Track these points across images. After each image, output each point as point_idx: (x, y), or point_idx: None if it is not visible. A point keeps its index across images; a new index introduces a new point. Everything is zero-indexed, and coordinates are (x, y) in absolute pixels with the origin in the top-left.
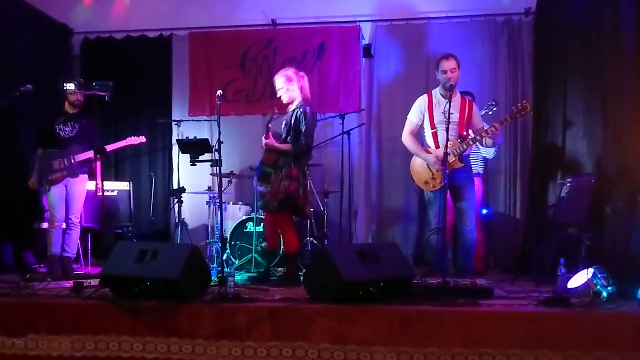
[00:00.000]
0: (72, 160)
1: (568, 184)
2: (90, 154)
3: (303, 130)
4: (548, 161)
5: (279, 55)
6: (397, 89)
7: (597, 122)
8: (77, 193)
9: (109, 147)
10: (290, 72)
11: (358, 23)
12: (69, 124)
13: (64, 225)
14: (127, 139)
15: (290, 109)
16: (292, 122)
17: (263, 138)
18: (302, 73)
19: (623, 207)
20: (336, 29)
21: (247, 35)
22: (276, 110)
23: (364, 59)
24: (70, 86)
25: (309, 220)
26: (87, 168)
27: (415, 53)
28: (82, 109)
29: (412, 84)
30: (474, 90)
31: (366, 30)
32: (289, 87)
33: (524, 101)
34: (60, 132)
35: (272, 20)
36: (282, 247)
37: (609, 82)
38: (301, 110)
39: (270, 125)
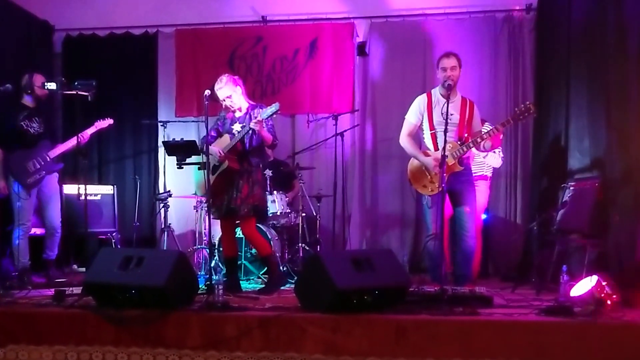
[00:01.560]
0: (48, 158)
1: (571, 188)
2: (64, 147)
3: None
4: (550, 164)
5: (269, 53)
6: (392, 89)
7: (601, 124)
8: (54, 193)
9: (70, 143)
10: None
11: (352, 20)
12: (34, 119)
13: (37, 231)
14: (95, 123)
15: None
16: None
17: (255, 122)
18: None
19: (628, 211)
20: (329, 26)
21: (236, 32)
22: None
23: (358, 57)
24: (52, 86)
25: (300, 226)
26: (60, 165)
27: (412, 51)
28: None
29: (408, 83)
30: (472, 90)
31: (360, 27)
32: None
33: (527, 102)
34: (30, 129)
35: (262, 16)
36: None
37: (613, 82)
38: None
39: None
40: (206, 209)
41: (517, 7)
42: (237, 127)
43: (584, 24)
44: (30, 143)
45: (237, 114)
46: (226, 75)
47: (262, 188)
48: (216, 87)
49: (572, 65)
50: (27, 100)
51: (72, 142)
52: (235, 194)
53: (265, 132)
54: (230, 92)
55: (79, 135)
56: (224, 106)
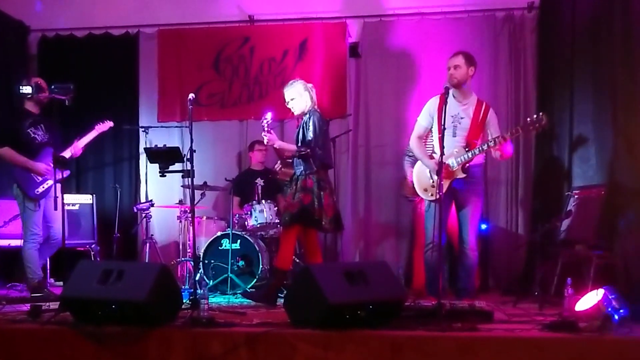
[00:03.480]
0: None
1: (575, 197)
2: (67, 152)
3: (311, 136)
4: (553, 171)
5: (256, 55)
6: (386, 92)
7: (607, 128)
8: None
9: (79, 145)
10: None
11: (344, 19)
12: (39, 126)
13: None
14: (95, 127)
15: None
16: (301, 129)
17: (265, 135)
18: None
19: (636, 221)
20: (320, 25)
21: (221, 33)
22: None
23: (350, 59)
24: (27, 89)
25: None
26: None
27: (407, 52)
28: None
29: (403, 86)
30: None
31: (353, 27)
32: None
33: (541, 113)
34: (36, 137)
35: (250, 16)
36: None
37: (620, 84)
38: (309, 116)
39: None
40: (190, 219)
41: (518, 6)
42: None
43: (589, 24)
44: (36, 152)
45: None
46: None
47: (312, 195)
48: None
49: (576, 67)
50: (31, 107)
51: (75, 148)
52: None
53: (280, 144)
54: (294, 95)
55: (79, 140)
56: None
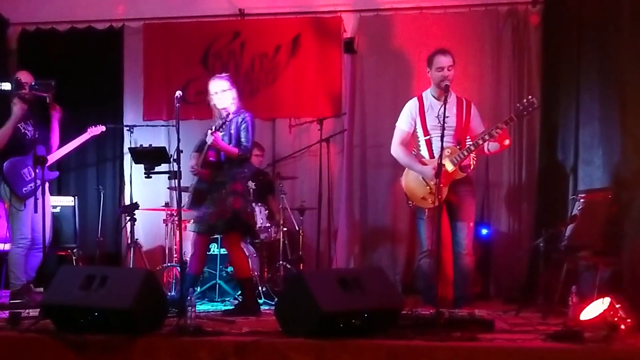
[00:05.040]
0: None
1: (581, 200)
2: (59, 154)
3: (250, 138)
4: (557, 173)
5: (247, 50)
6: (383, 90)
7: (615, 129)
8: (47, 205)
9: (66, 149)
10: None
11: (339, 13)
12: (29, 122)
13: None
14: (88, 130)
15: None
16: (234, 130)
17: (210, 134)
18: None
19: None
20: (314, 20)
21: (210, 27)
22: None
23: (345, 55)
24: (6, 86)
25: (281, 242)
26: (55, 174)
27: (405, 48)
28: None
29: (400, 84)
30: (472, 91)
31: (348, 21)
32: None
33: (530, 97)
34: (27, 133)
35: (240, 10)
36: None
37: (629, 83)
38: (243, 116)
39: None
40: (176, 222)
41: (522, 0)
42: (209, 135)
43: (596, 19)
44: (27, 149)
45: (217, 120)
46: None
47: (243, 199)
48: (212, 80)
49: (582, 64)
50: (18, 102)
51: (67, 149)
52: (211, 209)
53: (224, 146)
54: (218, 89)
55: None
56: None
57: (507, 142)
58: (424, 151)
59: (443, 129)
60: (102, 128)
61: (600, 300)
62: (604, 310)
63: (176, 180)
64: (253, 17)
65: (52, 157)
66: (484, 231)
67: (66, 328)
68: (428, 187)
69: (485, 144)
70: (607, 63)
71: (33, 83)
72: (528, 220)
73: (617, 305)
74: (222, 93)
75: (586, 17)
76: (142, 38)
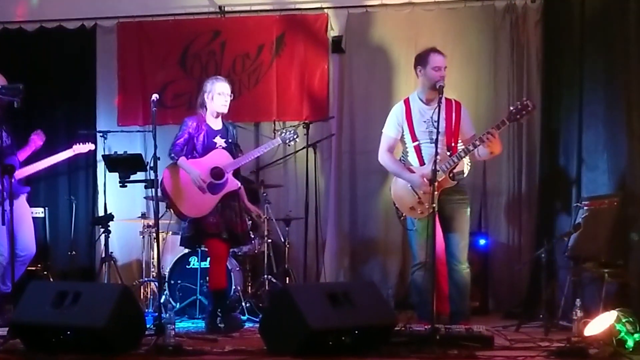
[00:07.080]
0: (14, 180)
1: (585, 208)
2: (32, 168)
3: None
4: (560, 179)
5: (228, 50)
6: (373, 92)
7: (621, 132)
8: (23, 215)
9: (44, 163)
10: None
11: (325, 11)
12: (2, 128)
13: None
14: (73, 147)
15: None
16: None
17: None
18: None
19: None
20: (299, 18)
21: (188, 26)
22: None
23: (333, 54)
24: None
25: (266, 254)
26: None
27: (396, 47)
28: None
29: (392, 85)
30: (469, 92)
31: (336, 19)
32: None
33: (524, 98)
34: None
35: (220, 7)
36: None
37: (634, 83)
38: (233, 126)
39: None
40: (154, 235)
41: None
42: (219, 141)
43: (600, 15)
44: (3, 156)
45: (215, 126)
46: None
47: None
48: (217, 80)
49: (585, 64)
50: None
51: (44, 164)
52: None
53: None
54: (228, 90)
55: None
56: (206, 109)
57: (497, 150)
58: (412, 158)
59: (437, 132)
60: (91, 146)
61: (606, 314)
62: (610, 325)
63: (153, 190)
64: (234, 15)
65: (25, 171)
66: (482, 242)
67: (37, 348)
68: (417, 196)
69: (476, 149)
70: (611, 62)
71: (0, 86)
72: (529, 230)
73: (624, 320)
74: (228, 97)
75: (589, 14)
76: (116, 38)
